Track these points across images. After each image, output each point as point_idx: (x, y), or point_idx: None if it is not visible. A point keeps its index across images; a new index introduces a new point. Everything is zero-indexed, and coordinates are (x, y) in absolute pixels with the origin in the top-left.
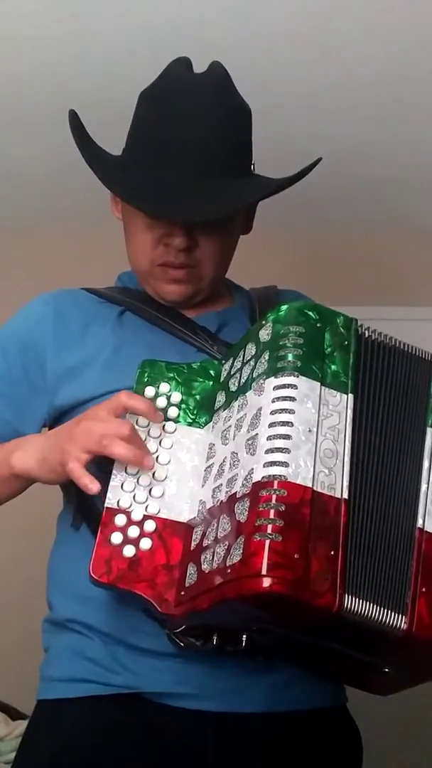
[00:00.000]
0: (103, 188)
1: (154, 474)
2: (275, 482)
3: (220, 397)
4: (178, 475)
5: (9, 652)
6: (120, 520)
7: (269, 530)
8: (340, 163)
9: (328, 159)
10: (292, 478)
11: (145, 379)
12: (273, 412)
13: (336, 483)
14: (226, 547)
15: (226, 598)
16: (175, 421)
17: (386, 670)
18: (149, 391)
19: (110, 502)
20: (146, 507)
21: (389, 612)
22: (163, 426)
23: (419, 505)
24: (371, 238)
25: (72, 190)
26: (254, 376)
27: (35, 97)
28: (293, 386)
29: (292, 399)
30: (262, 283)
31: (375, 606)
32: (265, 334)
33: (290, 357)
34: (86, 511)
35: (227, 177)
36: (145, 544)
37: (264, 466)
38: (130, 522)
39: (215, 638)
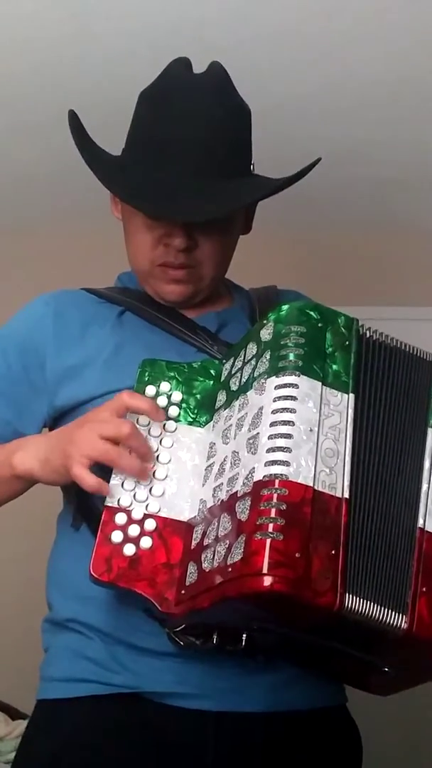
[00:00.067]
0: (103, 188)
1: (154, 473)
2: (276, 481)
3: (221, 397)
4: (179, 474)
5: (9, 652)
6: (120, 518)
7: (270, 529)
8: (340, 164)
9: (328, 159)
10: (294, 477)
11: (146, 378)
12: (274, 412)
13: (337, 482)
14: (226, 545)
15: (227, 597)
16: (176, 420)
17: (386, 669)
18: (150, 390)
19: (110, 500)
20: (147, 506)
21: (390, 611)
22: (164, 425)
23: (420, 504)
24: (371, 238)
25: (72, 191)
26: (255, 375)
27: (35, 97)
28: (294, 386)
29: (293, 398)
30: (262, 283)
31: (375, 605)
32: (266, 334)
33: (291, 356)
34: (86, 511)
35: (227, 177)
36: (146, 542)
37: (265, 465)
38: (130, 521)
39: (215, 637)
